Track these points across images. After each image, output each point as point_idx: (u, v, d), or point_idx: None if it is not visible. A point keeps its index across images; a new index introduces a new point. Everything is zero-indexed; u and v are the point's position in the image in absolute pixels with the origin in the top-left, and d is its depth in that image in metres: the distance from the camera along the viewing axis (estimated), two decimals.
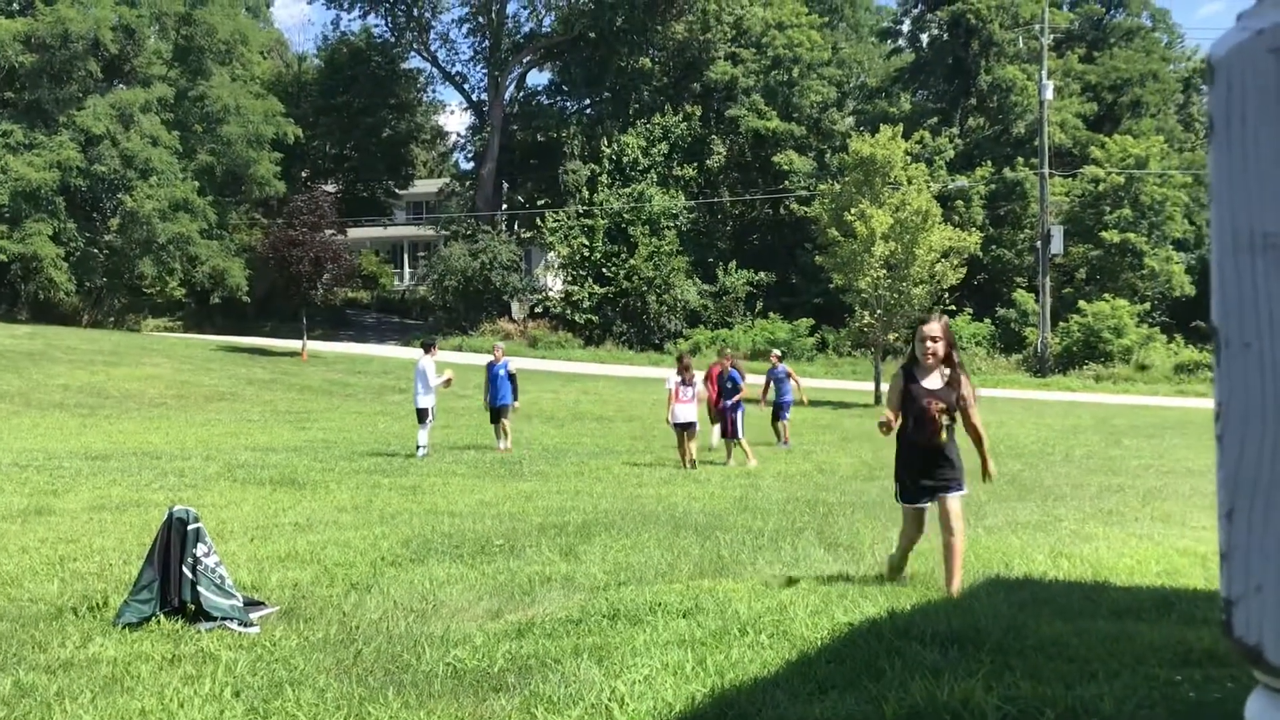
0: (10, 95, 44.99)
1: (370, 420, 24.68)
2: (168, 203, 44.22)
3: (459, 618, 5.95)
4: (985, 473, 6.82)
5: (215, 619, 5.66)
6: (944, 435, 6.43)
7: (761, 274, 49.21)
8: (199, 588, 5.73)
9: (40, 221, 42.18)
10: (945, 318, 6.81)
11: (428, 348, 17.73)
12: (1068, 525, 9.84)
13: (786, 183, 49.82)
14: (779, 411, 19.97)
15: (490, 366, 18.28)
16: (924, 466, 6.51)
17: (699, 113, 53.16)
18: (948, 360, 6.50)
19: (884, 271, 29.71)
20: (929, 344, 6.46)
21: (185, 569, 5.75)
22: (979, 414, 6.63)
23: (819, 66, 52.89)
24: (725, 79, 52.93)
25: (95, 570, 7.09)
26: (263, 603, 6.19)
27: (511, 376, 18.18)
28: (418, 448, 16.88)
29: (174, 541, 5.80)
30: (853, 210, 29.89)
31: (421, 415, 17.03)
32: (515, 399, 18.35)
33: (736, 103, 52.34)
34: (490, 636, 5.45)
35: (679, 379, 15.70)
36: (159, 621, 5.61)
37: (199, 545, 5.82)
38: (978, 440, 6.62)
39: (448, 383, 17.32)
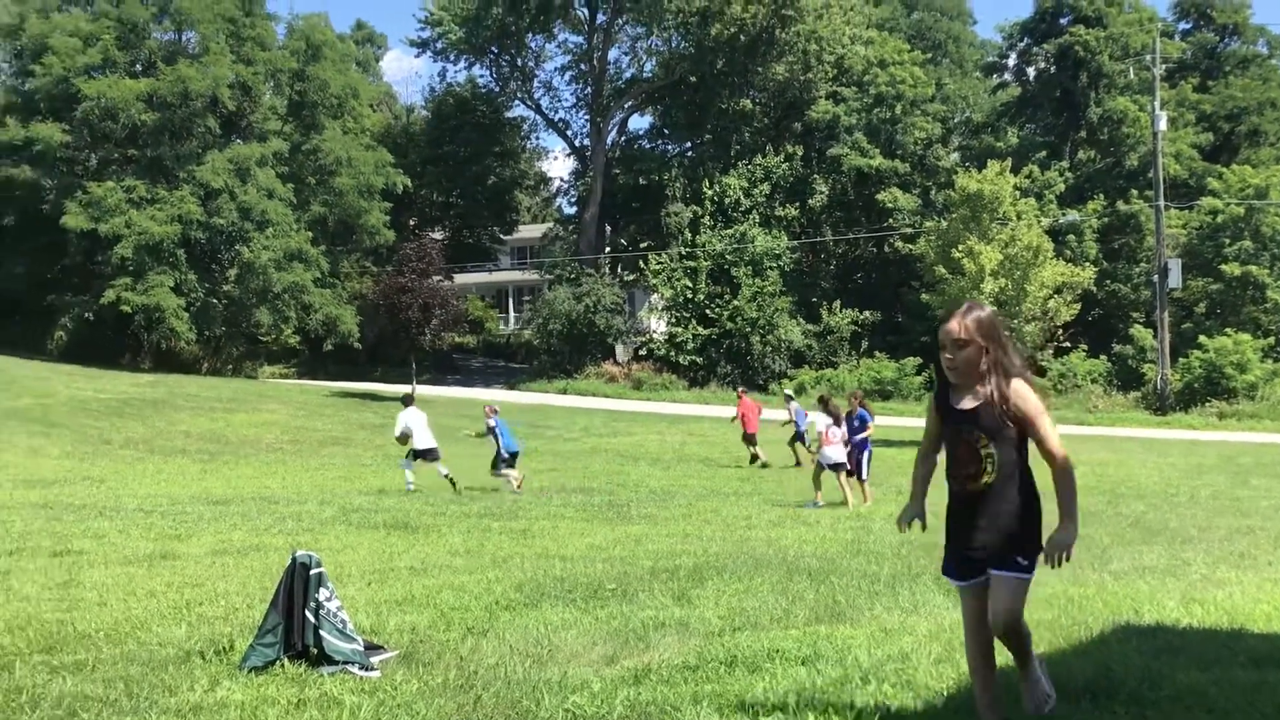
0: (134, 152, 46.98)
1: (479, 464, 24.92)
2: (283, 253, 45.64)
3: (575, 663, 5.93)
4: (1052, 538, 4.21)
5: (337, 663, 5.73)
6: (986, 478, 4.30)
7: (866, 313, 48.80)
8: (321, 631, 5.81)
9: (162, 273, 43.80)
10: (981, 309, 4.41)
11: (408, 401, 19.45)
12: (1197, 569, 9.46)
13: (891, 220, 49.40)
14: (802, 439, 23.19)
15: (494, 420, 19.11)
16: (962, 526, 4.41)
17: (800, 152, 53.12)
18: (991, 368, 4.31)
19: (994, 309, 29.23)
20: (945, 355, 4.39)
21: (308, 613, 5.83)
22: (1057, 438, 4.31)
23: (922, 103, 52.54)
24: (827, 118, 52.83)
25: (220, 614, 7.24)
26: (382, 647, 6.25)
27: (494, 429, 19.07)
28: (451, 481, 18.35)
29: (297, 586, 5.90)
30: (960, 247, 29.49)
31: (431, 454, 18.57)
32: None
33: (839, 141, 52.17)
34: (607, 682, 5.42)
35: (829, 421, 16.05)
36: (283, 665, 5.70)
37: (321, 590, 5.91)
38: (1057, 480, 4.25)
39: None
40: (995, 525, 4.30)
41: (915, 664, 5.68)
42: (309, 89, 50.24)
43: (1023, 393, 4.27)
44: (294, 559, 5.95)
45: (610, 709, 4.91)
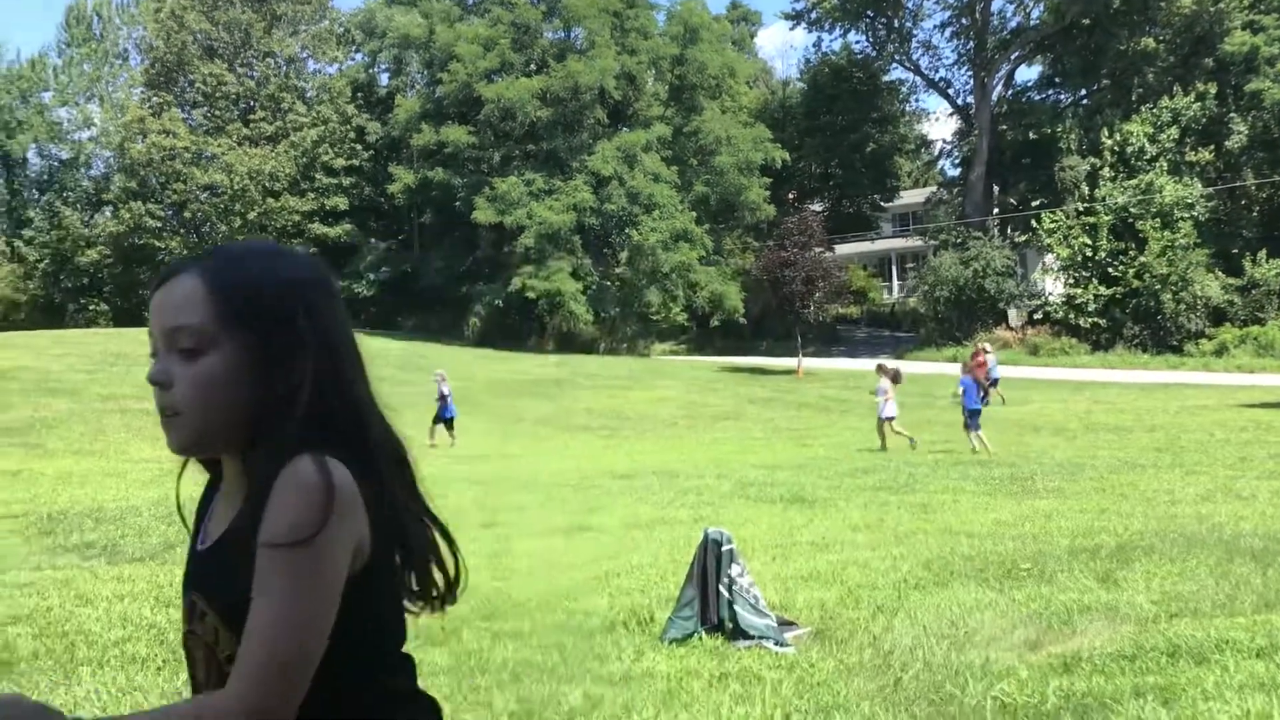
0: (531, 148, 50.30)
1: (868, 437, 24.59)
2: (669, 234, 47.30)
3: (994, 647, 5.66)
4: None
5: (752, 638, 5.81)
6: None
7: None
8: (735, 607, 5.91)
9: (561, 260, 46.68)
10: (278, 255, 1.61)
11: None
12: None
13: None
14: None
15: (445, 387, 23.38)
16: None
17: (1214, 90, 48.37)
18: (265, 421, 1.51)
19: None
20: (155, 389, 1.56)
21: (722, 588, 5.95)
22: (280, 647, 1.39)
23: None
24: (1244, 50, 47.72)
25: (638, 586, 7.53)
26: (794, 623, 6.26)
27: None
28: None
29: (710, 562, 6.04)
30: None
31: None
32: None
33: (1259, 75, 47.01)
34: (1035, 670, 5.13)
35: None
36: (701, 638, 5.84)
37: (733, 566, 6.00)
38: None
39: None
40: None
41: None
42: (688, 72, 51.70)
43: (289, 483, 1.43)
44: (706, 535, 6.09)
45: (1043, 699, 4.63)
